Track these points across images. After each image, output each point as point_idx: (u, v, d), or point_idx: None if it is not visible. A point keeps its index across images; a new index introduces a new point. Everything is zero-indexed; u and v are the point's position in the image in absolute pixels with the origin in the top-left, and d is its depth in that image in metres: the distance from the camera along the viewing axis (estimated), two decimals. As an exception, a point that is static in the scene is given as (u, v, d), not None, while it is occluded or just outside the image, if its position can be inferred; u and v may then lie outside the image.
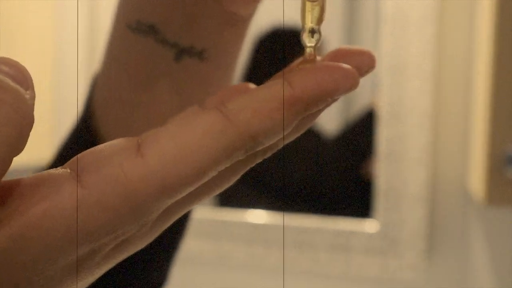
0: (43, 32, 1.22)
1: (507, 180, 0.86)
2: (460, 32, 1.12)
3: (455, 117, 1.14)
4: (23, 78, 0.19)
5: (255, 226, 1.22)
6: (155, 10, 0.32)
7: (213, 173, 0.19)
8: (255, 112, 0.19)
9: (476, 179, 0.96)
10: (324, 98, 0.20)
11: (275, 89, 0.20)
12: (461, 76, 1.13)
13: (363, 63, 0.23)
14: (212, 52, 0.33)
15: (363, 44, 1.31)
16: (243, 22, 0.33)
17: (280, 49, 1.33)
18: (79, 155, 0.19)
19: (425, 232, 1.14)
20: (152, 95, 0.34)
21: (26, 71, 0.19)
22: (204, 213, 1.24)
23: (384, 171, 1.15)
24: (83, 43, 1.25)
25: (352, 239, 1.18)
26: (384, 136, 1.15)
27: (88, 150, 0.19)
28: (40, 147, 0.95)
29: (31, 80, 0.19)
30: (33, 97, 0.19)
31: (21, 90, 0.18)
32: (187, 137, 0.19)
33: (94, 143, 0.36)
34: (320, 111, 0.21)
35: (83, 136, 0.37)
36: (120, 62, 0.34)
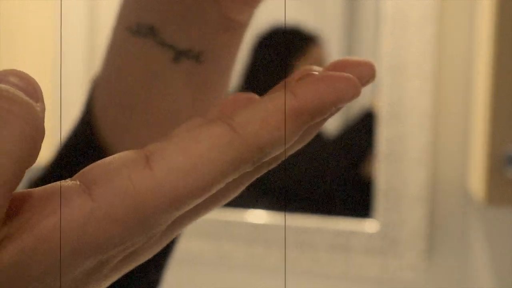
0: (43, 32, 1.22)
1: (507, 180, 0.86)
2: (460, 32, 1.12)
3: (455, 117, 1.14)
4: (32, 90, 0.19)
5: (255, 226, 1.22)
6: (155, 12, 0.33)
7: (220, 185, 0.19)
8: (263, 124, 0.19)
9: (476, 179, 0.96)
10: (328, 108, 0.20)
11: (280, 100, 0.20)
12: (461, 76, 1.13)
13: (364, 73, 0.23)
14: (209, 56, 0.34)
15: (363, 44, 1.31)
16: (240, 27, 0.34)
17: (280, 49, 1.33)
18: (87, 168, 0.19)
19: (425, 232, 1.14)
20: (150, 97, 0.35)
21: (36, 83, 0.19)
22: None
23: (384, 171, 1.15)
24: (83, 43, 1.25)
25: (352, 239, 1.18)
26: (384, 136, 1.15)
27: (96, 163, 0.19)
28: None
29: (41, 92, 0.19)
30: (43, 110, 0.19)
31: (33, 103, 0.18)
32: (195, 149, 0.19)
33: (93, 146, 0.37)
34: (325, 119, 0.22)
35: (83, 138, 0.38)
36: (120, 65, 0.35)
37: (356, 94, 0.21)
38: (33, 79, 0.19)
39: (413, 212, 1.14)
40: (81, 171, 0.19)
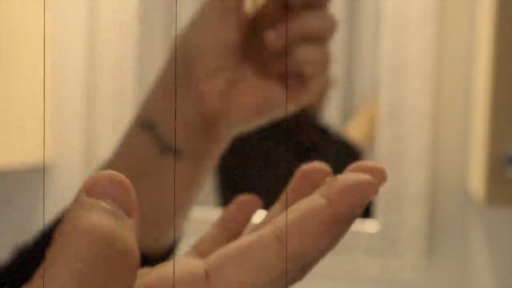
0: (43, 32, 1.21)
1: (507, 180, 0.86)
2: (460, 32, 1.12)
3: (455, 117, 1.14)
4: (130, 202, 0.20)
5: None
6: (155, 109, 0.41)
7: None
8: (304, 235, 0.22)
9: (476, 179, 0.96)
10: (357, 209, 0.23)
11: (317, 209, 0.23)
12: (461, 76, 1.13)
13: (379, 177, 0.25)
14: (189, 154, 0.41)
15: (363, 44, 1.31)
16: (220, 132, 0.41)
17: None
18: (151, 281, 0.22)
19: (425, 232, 1.14)
20: (141, 185, 0.41)
21: (131, 190, 0.21)
22: (204, 213, 1.24)
23: (384, 171, 1.15)
24: (83, 43, 1.25)
25: (352, 239, 1.18)
26: (384, 136, 1.15)
27: (160, 276, 0.22)
28: (40, 147, 0.95)
29: (135, 200, 0.21)
30: (138, 223, 0.21)
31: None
32: (249, 264, 0.22)
33: None
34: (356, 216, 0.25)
35: None
36: (121, 152, 0.43)
37: (376, 193, 0.24)
38: (129, 186, 0.20)
39: (413, 212, 1.14)
40: (145, 283, 0.22)
